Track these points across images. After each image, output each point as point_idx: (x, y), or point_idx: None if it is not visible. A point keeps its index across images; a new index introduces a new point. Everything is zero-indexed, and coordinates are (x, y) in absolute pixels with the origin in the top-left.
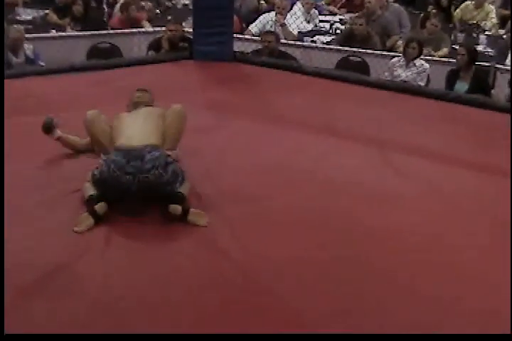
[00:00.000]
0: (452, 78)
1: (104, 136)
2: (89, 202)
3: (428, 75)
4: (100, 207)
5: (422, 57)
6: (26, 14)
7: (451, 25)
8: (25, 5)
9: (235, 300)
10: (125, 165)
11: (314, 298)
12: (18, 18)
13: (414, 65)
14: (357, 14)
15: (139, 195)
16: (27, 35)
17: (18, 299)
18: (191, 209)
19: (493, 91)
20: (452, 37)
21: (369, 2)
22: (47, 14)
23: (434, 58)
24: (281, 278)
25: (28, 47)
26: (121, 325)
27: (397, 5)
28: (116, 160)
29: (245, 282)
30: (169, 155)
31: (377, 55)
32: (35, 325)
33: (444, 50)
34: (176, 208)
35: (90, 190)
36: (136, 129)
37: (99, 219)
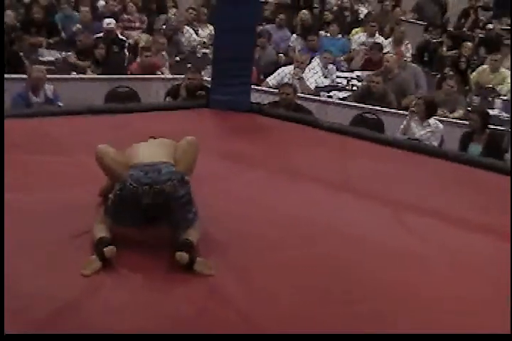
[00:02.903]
0: (466, 140)
1: (117, 163)
2: (98, 245)
3: (442, 136)
4: (109, 250)
5: (436, 117)
6: (49, 55)
7: (467, 88)
8: (49, 46)
9: None
10: (142, 177)
11: None
12: (40, 58)
13: (429, 124)
14: (374, 72)
15: (152, 212)
16: (48, 76)
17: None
18: (198, 259)
19: (507, 155)
20: (468, 99)
21: (387, 61)
22: (69, 56)
23: (450, 120)
24: (289, 331)
25: (48, 88)
26: None
27: (414, 65)
28: (133, 175)
29: (249, 330)
30: (188, 179)
31: (392, 114)
32: None
33: (460, 112)
34: (183, 256)
35: (100, 233)
36: (151, 152)
37: (106, 263)
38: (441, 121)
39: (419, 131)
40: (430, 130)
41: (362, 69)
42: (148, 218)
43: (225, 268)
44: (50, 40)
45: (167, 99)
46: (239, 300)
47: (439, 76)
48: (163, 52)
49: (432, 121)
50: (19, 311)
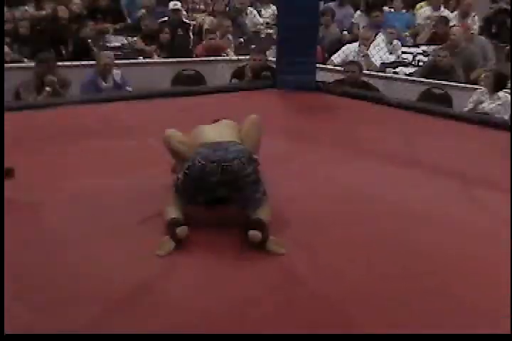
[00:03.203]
0: None
1: (184, 145)
2: (171, 226)
3: None
4: (181, 230)
5: (506, 90)
6: (116, 41)
7: None
8: (115, 32)
9: (313, 329)
10: (210, 154)
11: (390, 329)
12: (107, 44)
13: (498, 97)
14: (441, 46)
15: (220, 189)
16: (116, 61)
17: (99, 317)
18: (270, 237)
19: None
20: None
21: (454, 34)
22: (135, 41)
23: None
24: (361, 309)
25: (116, 73)
26: None
27: (482, 37)
28: (202, 152)
29: (323, 311)
30: (255, 157)
31: (460, 88)
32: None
33: None
34: (256, 235)
35: (172, 214)
36: (217, 133)
37: (179, 243)
38: (510, 94)
39: (488, 105)
40: (500, 103)
41: (428, 43)
42: (217, 196)
43: (296, 247)
44: (116, 26)
45: (233, 80)
46: (308, 279)
47: (507, 48)
48: (229, 35)
49: (501, 93)
50: (96, 293)
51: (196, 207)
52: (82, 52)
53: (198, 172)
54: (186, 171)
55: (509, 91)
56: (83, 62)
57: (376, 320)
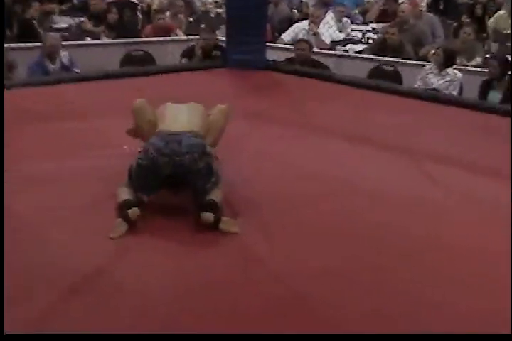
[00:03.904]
0: (485, 88)
1: (149, 125)
2: (122, 208)
3: (461, 85)
4: (133, 212)
5: (455, 66)
6: (62, 22)
7: (484, 35)
8: (62, 13)
9: (267, 305)
10: (163, 147)
11: (346, 307)
12: (54, 25)
13: (447, 73)
14: (390, 23)
15: (172, 182)
16: (63, 43)
17: (56, 304)
18: (223, 218)
19: None
20: (486, 46)
21: (402, 12)
22: (82, 22)
23: (468, 68)
24: (313, 285)
25: (64, 55)
26: (159, 331)
27: (430, 14)
28: (154, 143)
29: (277, 288)
30: (209, 150)
31: (409, 65)
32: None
33: (478, 60)
34: (208, 216)
35: (124, 195)
36: (179, 117)
37: (131, 225)
38: (459, 70)
39: (437, 81)
40: (448, 79)
41: (377, 21)
42: (170, 185)
43: (251, 227)
44: (63, 7)
45: (183, 60)
46: (267, 259)
47: (455, 24)
48: (180, 15)
49: (450, 70)
50: (52, 279)
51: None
52: (28, 33)
53: (149, 164)
54: (139, 160)
55: (457, 67)
56: (29, 44)
57: (331, 297)
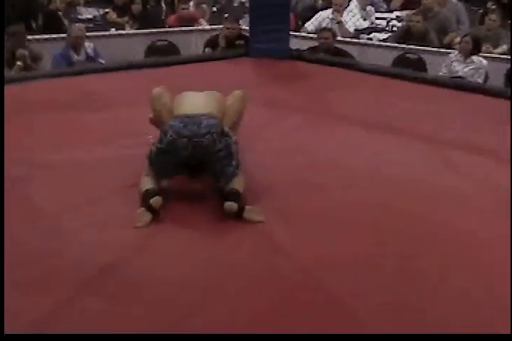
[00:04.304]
0: (511, 76)
1: (167, 112)
2: (145, 197)
3: (486, 72)
4: (156, 201)
5: (480, 54)
6: (87, 13)
7: (510, 22)
8: (87, 4)
9: (291, 296)
10: (182, 129)
11: (368, 296)
12: (79, 16)
13: (472, 61)
14: (414, 11)
15: (193, 166)
16: (87, 34)
17: (75, 296)
18: (246, 206)
19: None
20: (511, 33)
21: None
22: (107, 13)
23: (493, 55)
24: (336, 275)
25: (88, 46)
26: (179, 321)
27: (455, 1)
28: (173, 125)
29: (301, 278)
30: (227, 131)
31: (434, 52)
32: (92, 323)
33: (504, 47)
34: (232, 206)
35: (146, 185)
36: (197, 102)
37: (155, 214)
38: (484, 58)
39: (462, 69)
40: (474, 67)
41: (401, 9)
42: (190, 169)
43: (273, 215)
44: None
45: (206, 50)
46: (290, 248)
47: (481, 11)
48: (204, 5)
49: (475, 57)
50: (74, 267)
51: (174, 179)
52: (53, 25)
53: (168, 147)
54: (159, 145)
55: (482, 55)
56: (54, 36)
57: (355, 287)
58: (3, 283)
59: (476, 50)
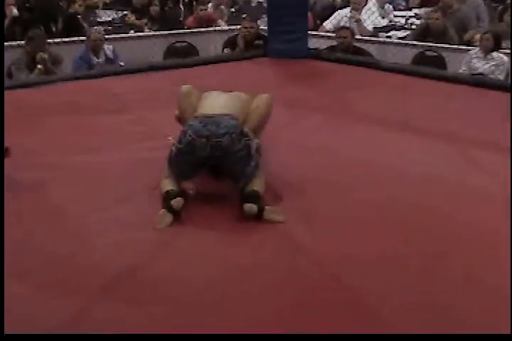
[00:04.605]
0: None
1: (192, 111)
2: (166, 198)
3: (508, 69)
4: (177, 202)
5: (500, 50)
6: (106, 16)
7: None
8: (105, 7)
9: (312, 295)
10: (201, 129)
11: (391, 296)
12: (98, 19)
13: (492, 57)
14: (433, 8)
15: (213, 167)
16: (106, 36)
17: (99, 297)
18: (266, 207)
19: None
20: None
21: None
22: (125, 15)
23: None
24: (359, 274)
25: (108, 48)
26: (201, 322)
27: None
28: (192, 125)
29: (323, 277)
30: (247, 131)
31: (454, 50)
32: (116, 324)
33: None
34: (251, 207)
35: (167, 186)
36: (218, 102)
37: (177, 215)
38: (505, 54)
39: (483, 66)
40: (494, 63)
41: (420, 6)
42: (210, 171)
43: (294, 215)
44: (106, 1)
45: (225, 50)
46: (311, 248)
47: (500, 7)
48: (222, 6)
49: (495, 54)
50: (98, 268)
51: (195, 180)
52: (73, 28)
53: (187, 147)
54: (178, 145)
55: (503, 51)
56: (74, 39)
57: (378, 287)
58: (3, 284)
59: (496, 46)
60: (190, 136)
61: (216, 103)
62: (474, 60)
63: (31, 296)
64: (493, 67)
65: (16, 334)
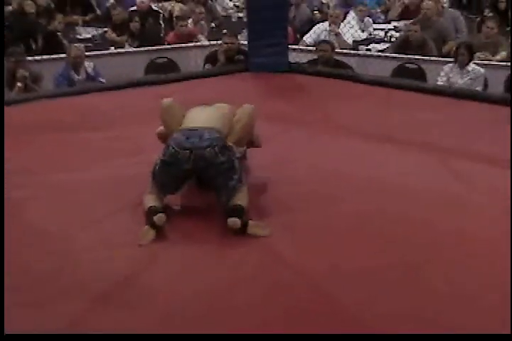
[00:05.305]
0: (511, 82)
1: (177, 124)
2: (149, 214)
3: (486, 80)
4: (159, 218)
5: (479, 61)
6: (86, 33)
7: (508, 29)
8: (85, 24)
9: (298, 307)
10: (184, 141)
11: (375, 306)
12: (78, 36)
13: (468, 71)
14: (412, 21)
15: (194, 176)
16: (87, 53)
17: (87, 310)
18: (250, 222)
19: None
20: (510, 40)
21: (427, 8)
22: (105, 32)
23: (492, 63)
24: (342, 285)
25: (88, 65)
26: (189, 331)
27: (452, 10)
28: (176, 138)
29: (307, 290)
30: (230, 145)
31: (433, 61)
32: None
33: (502, 54)
34: (235, 222)
35: (149, 202)
36: (202, 116)
37: (159, 231)
38: (484, 65)
39: (460, 80)
40: (471, 77)
41: (399, 19)
42: (195, 183)
43: (279, 228)
44: (86, 18)
45: (206, 66)
46: (295, 260)
47: (478, 19)
48: (202, 21)
49: (470, 67)
50: (83, 286)
51: (179, 195)
52: (53, 45)
53: (171, 159)
54: (162, 158)
55: (481, 62)
56: (54, 56)
57: (360, 297)
58: (3, 284)
59: (470, 58)
60: (173, 148)
61: (199, 117)
62: (450, 74)
63: (20, 313)
64: (470, 81)
65: (16, 334)
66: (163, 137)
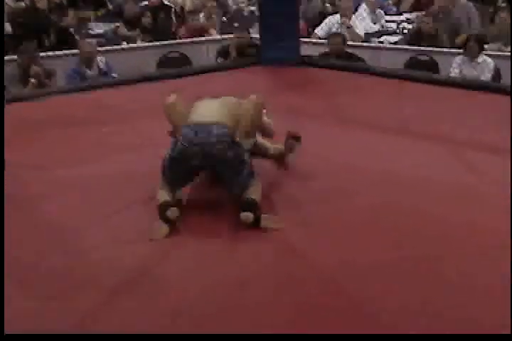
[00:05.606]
0: None
1: (179, 118)
2: (162, 209)
3: (499, 71)
4: (172, 212)
5: (492, 53)
6: (98, 28)
7: None
8: (97, 19)
9: (311, 302)
10: (193, 137)
11: (387, 299)
12: (90, 32)
13: (478, 62)
14: (424, 12)
15: (203, 171)
16: (99, 49)
17: (99, 306)
18: (263, 215)
19: None
20: None
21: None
22: (117, 27)
23: (505, 53)
24: (357, 279)
25: (100, 60)
26: (199, 327)
27: (465, 1)
28: (184, 133)
29: (321, 283)
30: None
31: (446, 53)
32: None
33: None
34: (248, 216)
35: (162, 197)
36: (209, 109)
37: (172, 225)
38: (497, 56)
39: (471, 72)
40: (481, 68)
41: (411, 11)
42: (206, 177)
43: (293, 222)
44: (98, 13)
45: (218, 59)
46: (306, 252)
47: (491, 9)
48: (213, 15)
49: (480, 59)
50: (96, 280)
51: (191, 189)
52: (65, 41)
53: (180, 155)
54: (170, 153)
55: (495, 53)
56: (67, 52)
57: (376, 292)
58: (3, 284)
59: (481, 49)
60: (182, 144)
61: (206, 111)
62: (462, 66)
63: (31, 309)
64: (479, 71)
65: (16, 334)
66: (174, 135)
